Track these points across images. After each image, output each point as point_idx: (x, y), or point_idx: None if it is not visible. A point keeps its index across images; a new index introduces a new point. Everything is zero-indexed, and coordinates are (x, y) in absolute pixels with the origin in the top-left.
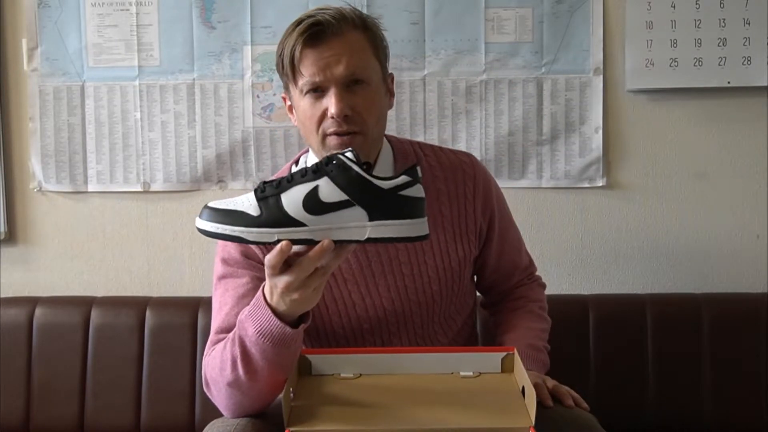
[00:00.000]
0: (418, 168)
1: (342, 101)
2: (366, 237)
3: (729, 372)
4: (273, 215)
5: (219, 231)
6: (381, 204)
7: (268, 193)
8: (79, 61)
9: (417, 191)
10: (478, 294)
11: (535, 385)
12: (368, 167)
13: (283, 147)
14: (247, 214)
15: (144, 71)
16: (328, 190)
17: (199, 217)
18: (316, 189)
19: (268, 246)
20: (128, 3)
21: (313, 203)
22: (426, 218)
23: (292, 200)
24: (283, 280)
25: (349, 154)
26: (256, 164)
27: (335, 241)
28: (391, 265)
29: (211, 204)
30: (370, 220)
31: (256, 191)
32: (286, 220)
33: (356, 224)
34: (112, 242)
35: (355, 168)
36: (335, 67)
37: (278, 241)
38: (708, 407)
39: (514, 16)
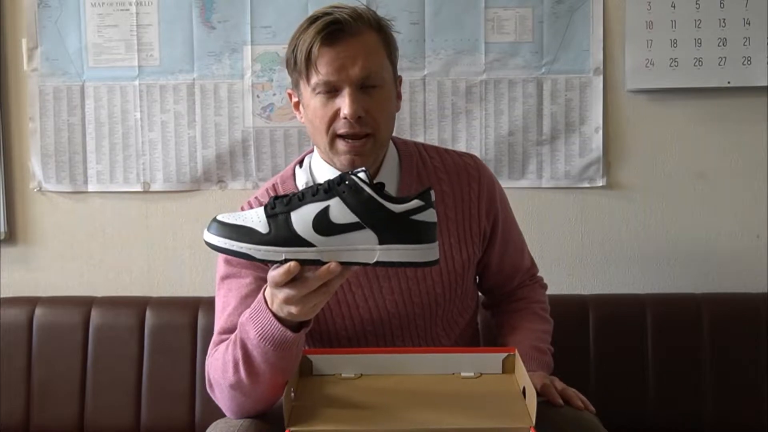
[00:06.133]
0: (432, 192)
1: (356, 102)
2: (375, 260)
3: (729, 372)
4: (282, 234)
5: (226, 246)
6: (392, 228)
7: (278, 210)
8: (79, 61)
9: (429, 216)
10: (480, 295)
11: (543, 386)
12: (381, 187)
13: (283, 147)
14: (256, 231)
15: (144, 71)
16: (338, 210)
17: (207, 229)
18: (326, 209)
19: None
20: (128, 3)
21: (323, 224)
22: (437, 243)
23: (301, 219)
24: (283, 293)
25: (361, 175)
26: (256, 164)
27: (342, 263)
28: (395, 268)
29: (220, 217)
30: (380, 243)
31: (266, 207)
32: (294, 240)
33: (365, 247)
34: (112, 242)
35: (367, 190)
36: (351, 68)
37: (285, 260)
38: (708, 407)
39: (514, 16)
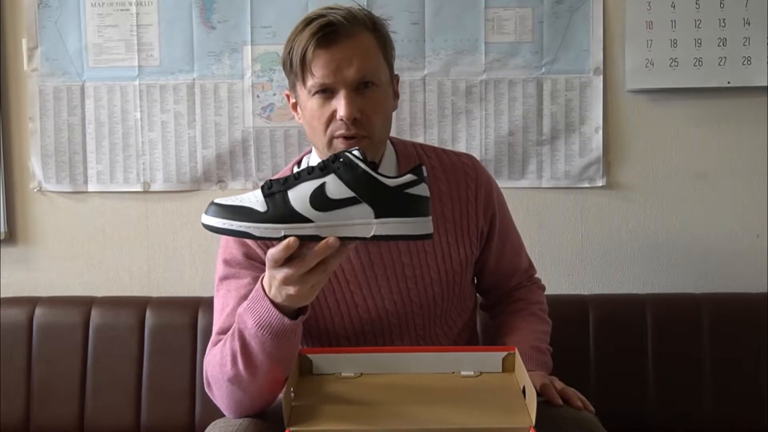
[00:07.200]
0: (424, 168)
1: (352, 104)
2: (372, 234)
3: (729, 372)
4: (280, 211)
5: (225, 227)
6: (387, 201)
7: (275, 189)
8: (79, 61)
9: (422, 190)
10: (477, 296)
11: (543, 386)
12: (374, 166)
13: (283, 147)
14: (254, 210)
15: (144, 71)
16: (335, 186)
17: (205, 213)
18: (323, 186)
19: (270, 243)
20: (128, 3)
21: (320, 200)
22: (430, 217)
23: (299, 196)
24: (282, 272)
25: (356, 152)
26: (256, 164)
27: (340, 238)
28: (393, 267)
29: (218, 200)
30: (376, 217)
31: (263, 188)
32: (292, 216)
33: (362, 221)
34: (112, 242)
35: (362, 165)
36: (346, 69)
37: (284, 236)
38: (708, 407)
39: (514, 16)
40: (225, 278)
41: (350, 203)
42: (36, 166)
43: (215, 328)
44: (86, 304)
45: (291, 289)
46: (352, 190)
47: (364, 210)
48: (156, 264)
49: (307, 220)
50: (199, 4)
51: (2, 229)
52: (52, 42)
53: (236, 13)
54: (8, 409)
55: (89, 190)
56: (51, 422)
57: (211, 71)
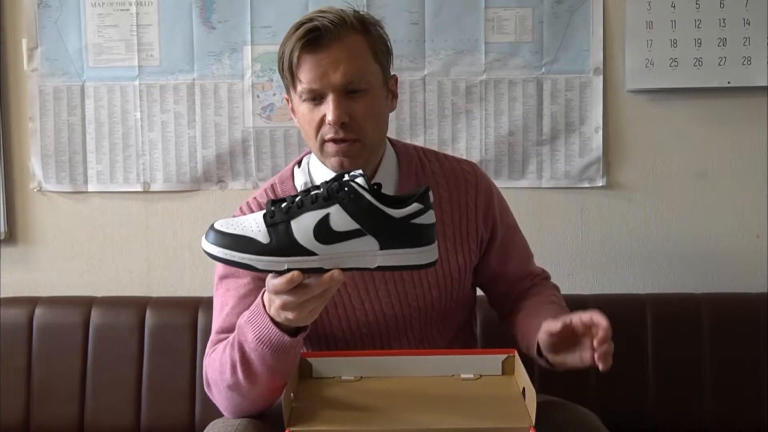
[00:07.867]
0: (430, 193)
1: (339, 109)
2: (376, 265)
3: (729, 372)
4: (283, 243)
5: (228, 257)
6: (392, 233)
7: (278, 219)
8: (79, 61)
9: (428, 218)
10: (493, 310)
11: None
12: (378, 188)
13: (283, 147)
14: (257, 241)
15: (144, 71)
16: (339, 218)
17: (206, 238)
18: (327, 217)
19: None
20: (128, 3)
21: (324, 232)
22: (436, 243)
23: (302, 228)
24: (281, 299)
25: (359, 180)
26: (256, 164)
27: (344, 269)
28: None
29: (218, 226)
30: (381, 249)
31: (265, 216)
32: (296, 249)
33: (367, 253)
34: (112, 242)
35: (367, 197)
36: (333, 74)
37: (288, 269)
38: (708, 407)
39: (514, 16)
40: (224, 277)
41: (355, 235)
42: (36, 166)
43: (215, 327)
44: (86, 304)
45: (289, 314)
46: (357, 222)
47: (368, 242)
48: (156, 264)
49: (311, 253)
50: (199, 4)
51: (2, 229)
52: (52, 42)
53: (236, 13)
54: (8, 409)
55: (89, 190)
56: (51, 422)
57: (211, 71)
